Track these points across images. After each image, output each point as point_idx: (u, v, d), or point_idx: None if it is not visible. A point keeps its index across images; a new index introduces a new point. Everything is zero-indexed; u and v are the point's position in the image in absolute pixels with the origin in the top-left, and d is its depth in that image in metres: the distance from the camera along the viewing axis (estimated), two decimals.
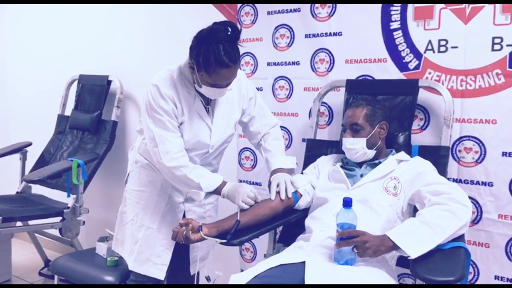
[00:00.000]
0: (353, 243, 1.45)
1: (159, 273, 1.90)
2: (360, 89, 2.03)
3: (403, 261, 1.68)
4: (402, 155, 1.80)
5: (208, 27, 1.61)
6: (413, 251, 1.41)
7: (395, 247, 1.45)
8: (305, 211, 1.87)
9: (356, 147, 1.75)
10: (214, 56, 1.58)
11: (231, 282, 1.50)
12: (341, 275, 1.42)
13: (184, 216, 1.96)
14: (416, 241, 1.44)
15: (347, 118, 1.80)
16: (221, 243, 1.64)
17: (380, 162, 1.77)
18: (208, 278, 1.74)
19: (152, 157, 1.77)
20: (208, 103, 1.83)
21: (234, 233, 1.66)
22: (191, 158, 1.80)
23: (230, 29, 1.59)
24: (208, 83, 1.67)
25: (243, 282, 1.44)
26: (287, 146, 2.39)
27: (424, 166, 1.69)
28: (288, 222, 1.84)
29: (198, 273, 2.08)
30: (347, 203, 1.49)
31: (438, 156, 1.80)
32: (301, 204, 1.85)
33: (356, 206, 1.64)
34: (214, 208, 2.11)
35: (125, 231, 1.99)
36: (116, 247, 2.07)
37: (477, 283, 1.91)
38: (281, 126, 2.36)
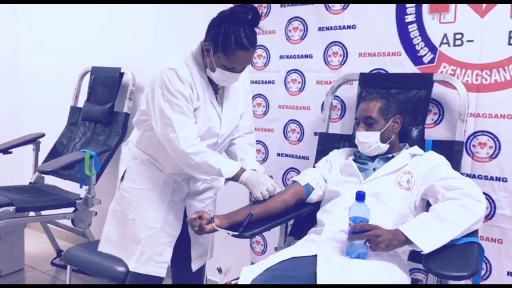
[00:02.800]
0: (365, 236, 1.45)
1: (161, 271, 1.88)
2: (373, 83, 2.02)
3: (414, 255, 1.68)
4: (416, 149, 1.78)
5: (230, 9, 1.61)
6: (426, 246, 1.41)
7: (407, 241, 1.45)
8: (317, 205, 1.87)
9: (370, 140, 1.74)
10: (234, 37, 1.57)
11: (243, 274, 1.50)
12: (353, 269, 1.41)
13: (185, 212, 1.94)
14: (429, 235, 1.43)
15: (360, 111, 1.79)
16: (233, 235, 1.65)
17: (393, 156, 1.76)
18: (219, 270, 1.74)
19: (167, 145, 1.70)
20: (216, 93, 1.81)
21: (247, 226, 1.66)
22: None
23: (251, 13, 1.59)
24: (224, 66, 1.65)
25: (255, 275, 1.45)
26: (299, 140, 2.38)
27: (438, 161, 1.68)
28: (300, 215, 1.84)
29: (203, 267, 2.05)
30: (360, 196, 1.48)
31: (452, 151, 1.78)
32: (313, 197, 1.84)
33: (368, 200, 1.63)
34: (213, 203, 2.08)
35: (120, 231, 1.92)
36: (105, 247, 1.96)
37: (489, 279, 1.90)
38: (293, 120, 2.38)
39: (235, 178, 1.74)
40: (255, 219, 1.69)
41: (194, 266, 2.02)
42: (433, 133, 1.95)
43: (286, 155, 2.43)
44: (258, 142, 2.51)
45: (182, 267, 2.04)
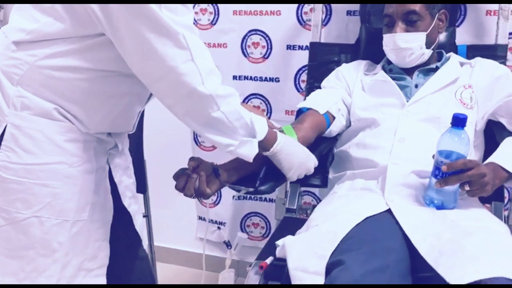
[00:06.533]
0: (467, 178, 1.01)
1: (99, 280, 1.16)
2: None
3: None
4: (458, 57, 1.39)
5: None
6: None
7: (510, 178, 1.07)
8: (334, 140, 1.40)
9: (413, 45, 1.28)
10: None
11: (294, 255, 0.98)
12: (461, 226, 0.98)
13: (111, 178, 1.17)
14: None
15: (396, 6, 1.29)
16: (246, 192, 1.13)
17: (437, 67, 1.33)
18: (227, 244, 1.19)
19: (169, 86, 0.96)
20: None
21: (264, 177, 1.14)
22: None
23: None
24: None
25: (327, 252, 0.93)
26: (264, 56, 1.83)
27: (502, 70, 1.30)
28: (320, 154, 1.34)
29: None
30: (460, 121, 1.03)
31: (494, 57, 1.40)
32: (334, 129, 1.35)
33: (423, 127, 1.23)
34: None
35: (1, 241, 1.08)
36: None
37: None
38: (255, 30, 1.82)
39: (265, 144, 1.10)
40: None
41: (146, 245, 1.36)
42: None
43: (246, 78, 1.87)
44: None
45: (122, 260, 1.27)
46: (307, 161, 1.17)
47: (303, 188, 1.50)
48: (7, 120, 0.99)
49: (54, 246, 1.05)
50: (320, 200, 1.83)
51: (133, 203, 1.25)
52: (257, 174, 1.14)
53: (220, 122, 1.00)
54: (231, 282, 1.21)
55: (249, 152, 1.04)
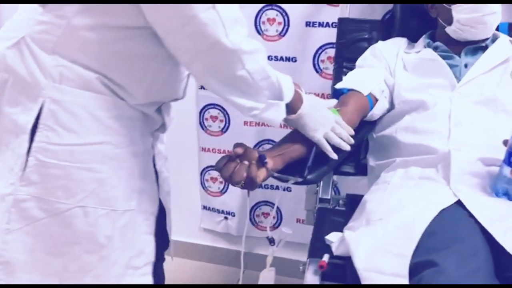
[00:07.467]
0: None
1: (145, 279, 1.03)
2: None
3: None
4: (506, 36, 1.29)
5: None
6: None
7: None
8: (373, 124, 1.28)
9: (500, 10, 1.19)
10: None
11: (354, 247, 0.87)
12: None
13: (154, 164, 1.05)
14: None
15: None
16: (295, 182, 1.01)
17: (486, 46, 1.24)
18: (271, 240, 1.07)
19: (187, 38, 0.83)
20: None
21: (313, 166, 1.02)
22: None
23: None
24: None
25: (408, 250, 0.82)
26: (281, 34, 1.69)
27: None
28: (361, 140, 1.23)
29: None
30: None
31: None
32: (376, 112, 1.24)
33: (479, 111, 1.13)
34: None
35: (36, 239, 0.91)
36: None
37: None
38: (270, 5, 1.68)
39: (291, 107, 0.98)
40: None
41: (171, 234, 1.20)
42: None
43: None
44: (213, 106, 1.81)
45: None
46: (332, 117, 1.04)
47: None
48: (45, 94, 0.86)
49: (101, 241, 0.92)
50: (339, 190, 1.74)
51: (168, 201, 1.13)
52: (302, 161, 1.03)
53: (244, 82, 0.88)
54: (272, 282, 1.09)
55: (275, 116, 0.94)
